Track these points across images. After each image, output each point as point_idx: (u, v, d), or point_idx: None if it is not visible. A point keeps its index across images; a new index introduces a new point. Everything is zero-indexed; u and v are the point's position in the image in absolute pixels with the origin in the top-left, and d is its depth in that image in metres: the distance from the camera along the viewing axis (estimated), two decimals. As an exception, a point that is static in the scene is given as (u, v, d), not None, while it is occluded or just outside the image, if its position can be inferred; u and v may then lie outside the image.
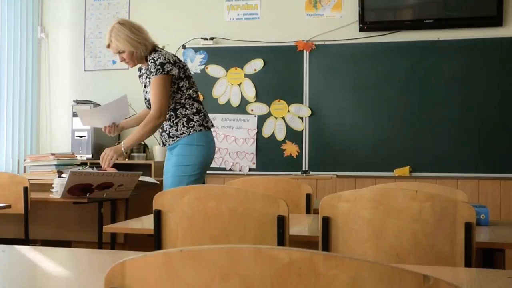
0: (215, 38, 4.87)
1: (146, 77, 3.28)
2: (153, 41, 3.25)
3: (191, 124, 3.20)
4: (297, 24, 4.76)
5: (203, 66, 4.84)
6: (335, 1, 4.73)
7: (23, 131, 5.01)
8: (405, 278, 0.66)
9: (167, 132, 3.24)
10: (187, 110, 3.21)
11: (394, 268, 0.67)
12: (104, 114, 3.37)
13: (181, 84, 3.20)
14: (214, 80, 4.82)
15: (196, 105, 3.24)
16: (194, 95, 3.26)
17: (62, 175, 3.64)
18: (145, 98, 3.32)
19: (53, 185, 3.41)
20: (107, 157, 3.13)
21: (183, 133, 3.19)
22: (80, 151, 4.66)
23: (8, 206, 3.12)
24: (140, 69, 3.40)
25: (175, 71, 3.14)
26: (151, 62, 3.14)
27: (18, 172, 4.79)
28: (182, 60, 3.51)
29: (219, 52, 4.84)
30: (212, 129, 3.31)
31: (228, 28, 4.90)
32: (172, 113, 3.22)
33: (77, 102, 4.87)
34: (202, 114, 3.26)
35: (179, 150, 3.19)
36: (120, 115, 3.38)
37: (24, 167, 4.70)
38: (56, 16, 5.30)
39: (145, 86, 3.31)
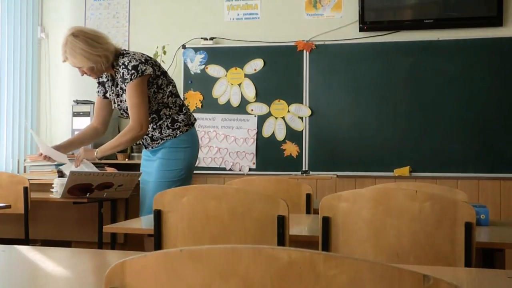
0: (215, 38, 4.87)
1: (117, 85, 3.00)
2: (115, 46, 2.95)
3: (176, 125, 3.00)
4: (297, 24, 4.76)
5: (203, 66, 4.84)
6: (335, 1, 4.73)
7: (23, 131, 5.01)
8: (405, 278, 0.66)
9: (150, 135, 3.03)
10: (170, 110, 3.01)
11: (394, 268, 0.67)
12: (42, 145, 3.20)
13: (160, 82, 2.96)
14: (214, 80, 4.82)
15: (178, 101, 3.05)
16: (175, 91, 3.05)
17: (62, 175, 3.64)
18: (121, 108, 3.06)
19: (53, 185, 3.42)
20: (78, 156, 3.05)
21: (169, 135, 3.00)
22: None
23: (8, 206, 3.12)
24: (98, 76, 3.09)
25: (149, 70, 2.88)
26: (123, 68, 2.87)
27: (18, 172, 4.78)
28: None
29: (219, 52, 4.84)
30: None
31: (228, 28, 4.90)
32: (154, 115, 2.99)
33: (77, 102, 4.87)
34: (185, 110, 3.07)
35: (164, 154, 3.00)
36: (55, 157, 3.11)
37: (24, 167, 4.70)
38: (56, 16, 5.30)
39: (118, 95, 3.03)
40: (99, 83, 3.15)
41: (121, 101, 3.04)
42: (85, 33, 2.91)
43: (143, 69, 2.87)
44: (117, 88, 3.03)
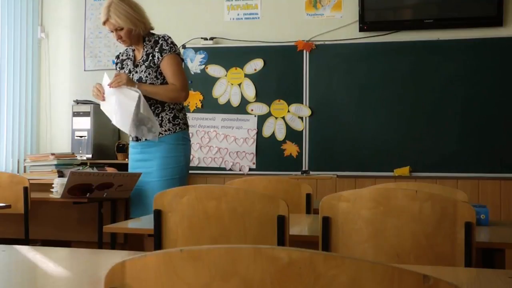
0: (215, 38, 4.87)
1: (136, 66, 3.08)
2: (150, 22, 3.13)
3: (177, 121, 3.06)
4: (297, 24, 4.76)
5: (203, 66, 4.84)
6: (335, 1, 4.73)
7: (23, 131, 5.01)
8: (405, 278, 0.66)
9: (149, 126, 3.03)
10: (175, 105, 3.08)
11: (394, 268, 0.67)
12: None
13: None
14: (214, 80, 4.82)
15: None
16: None
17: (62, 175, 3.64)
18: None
19: (53, 185, 3.42)
20: (118, 78, 2.93)
21: (168, 130, 3.04)
22: (80, 151, 4.66)
23: (8, 206, 3.12)
24: (118, 56, 3.24)
25: (182, 57, 3.14)
26: (161, 40, 3.04)
27: (18, 172, 4.78)
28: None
29: (219, 52, 4.84)
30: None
31: (228, 28, 4.90)
32: (159, 105, 3.05)
33: (77, 102, 4.87)
34: (184, 112, 3.17)
35: (164, 152, 3.03)
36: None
37: (24, 167, 4.70)
38: (56, 16, 5.30)
39: (135, 66, 3.10)
40: (117, 63, 3.24)
41: (136, 72, 3.08)
42: None
43: (179, 51, 3.10)
44: (138, 60, 3.10)
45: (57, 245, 3.45)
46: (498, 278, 1.25)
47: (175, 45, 3.08)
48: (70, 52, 5.28)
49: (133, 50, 3.17)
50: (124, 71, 3.15)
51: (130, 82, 2.96)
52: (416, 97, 4.47)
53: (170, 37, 3.09)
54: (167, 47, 3.03)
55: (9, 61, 4.89)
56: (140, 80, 3.04)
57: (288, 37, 4.73)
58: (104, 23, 3.03)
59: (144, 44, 3.09)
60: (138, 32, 3.04)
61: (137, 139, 3.10)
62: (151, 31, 3.13)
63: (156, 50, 3.04)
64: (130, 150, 3.20)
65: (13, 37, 4.93)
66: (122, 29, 3.00)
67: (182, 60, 3.12)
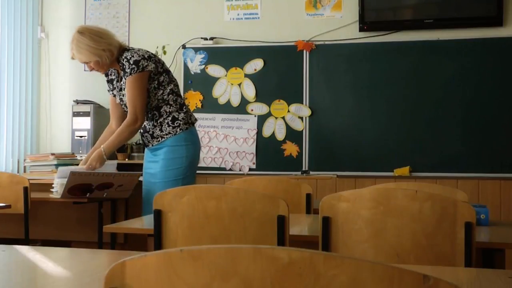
0: (215, 38, 4.87)
1: (121, 79, 3.09)
2: (119, 42, 3.06)
3: (176, 123, 3.05)
4: (297, 24, 4.76)
5: (203, 66, 4.84)
6: (335, 1, 4.73)
7: (23, 131, 5.01)
8: (405, 278, 0.66)
9: (150, 132, 3.08)
10: (171, 107, 3.06)
11: (394, 268, 0.67)
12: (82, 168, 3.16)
13: (161, 79, 3.04)
14: (214, 80, 4.82)
15: (179, 100, 3.11)
16: (176, 90, 3.11)
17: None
18: (123, 103, 3.12)
19: (53, 185, 3.41)
20: (92, 167, 3.06)
21: (169, 133, 3.05)
22: (80, 151, 4.66)
23: (8, 206, 3.12)
24: (107, 74, 3.20)
25: (151, 66, 2.98)
26: (125, 62, 2.96)
27: (18, 172, 4.78)
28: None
29: (219, 52, 4.84)
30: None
31: (228, 28, 4.90)
32: (155, 112, 3.06)
33: (77, 102, 4.87)
34: (186, 109, 3.12)
35: (166, 153, 3.05)
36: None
37: (24, 167, 4.70)
38: (56, 16, 5.30)
39: (121, 89, 3.11)
40: (108, 81, 3.23)
41: (123, 95, 3.09)
42: (90, 30, 3.04)
43: (144, 65, 2.96)
44: (120, 83, 3.11)
45: (57, 245, 3.45)
46: (498, 278, 1.25)
47: (138, 62, 2.95)
48: (70, 52, 5.26)
49: (117, 71, 3.15)
50: (114, 92, 3.17)
51: (100, 161, 3.08)
52: (416, 97, 4.47)
53: (133, 55, 2.96)
54: (128, 70, 2.95)
55: (9, 61, 4.88)
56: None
57: (288, 37, 4.73)
58: (72, 58, 3.08)
59: (120, 64, 3.05)
60: (104, 61, 2.99)
61: (146, 145, 3.18)
62: (125, 48, 3.06)
63: (123, 75, 3.01)
64: (144, 153, 3.28)
65: (13, 37, 4.92)
66: (89, 61, 3.01)
67: (150, 71, 2.98)
